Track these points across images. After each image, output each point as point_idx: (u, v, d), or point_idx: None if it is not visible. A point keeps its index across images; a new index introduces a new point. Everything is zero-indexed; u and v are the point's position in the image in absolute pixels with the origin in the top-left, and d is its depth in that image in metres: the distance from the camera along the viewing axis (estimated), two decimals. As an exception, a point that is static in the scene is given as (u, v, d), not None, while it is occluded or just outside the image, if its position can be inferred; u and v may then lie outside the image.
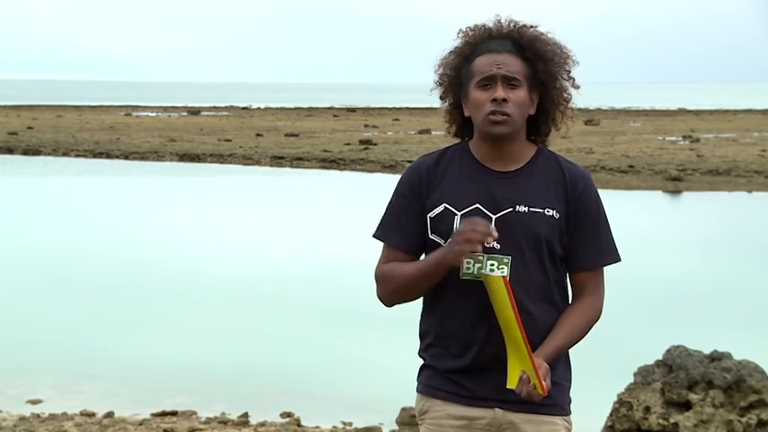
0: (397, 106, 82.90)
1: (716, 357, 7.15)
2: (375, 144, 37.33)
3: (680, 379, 7.05)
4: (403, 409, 8.37)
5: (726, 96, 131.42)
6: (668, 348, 7.30)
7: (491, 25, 3.36)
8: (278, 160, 33.38)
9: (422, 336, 3.42)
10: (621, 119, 58.97)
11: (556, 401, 3.32)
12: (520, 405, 3.26)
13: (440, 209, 3.30)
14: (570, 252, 3.32)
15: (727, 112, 71.21)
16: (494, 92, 3.26)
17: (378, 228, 3.42)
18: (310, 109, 74.87)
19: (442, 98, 3.43)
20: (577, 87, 3.40)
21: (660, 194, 24.92)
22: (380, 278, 3.37)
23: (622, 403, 7.18)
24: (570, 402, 3.41)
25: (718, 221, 20.80)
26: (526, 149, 3.36)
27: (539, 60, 3.32)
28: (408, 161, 31.83)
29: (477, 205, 3.27)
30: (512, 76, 3.27)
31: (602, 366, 8.73)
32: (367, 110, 74.23)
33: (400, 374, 9.75)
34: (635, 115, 61.93)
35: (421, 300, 3.41)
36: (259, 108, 77.27)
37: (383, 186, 27.01)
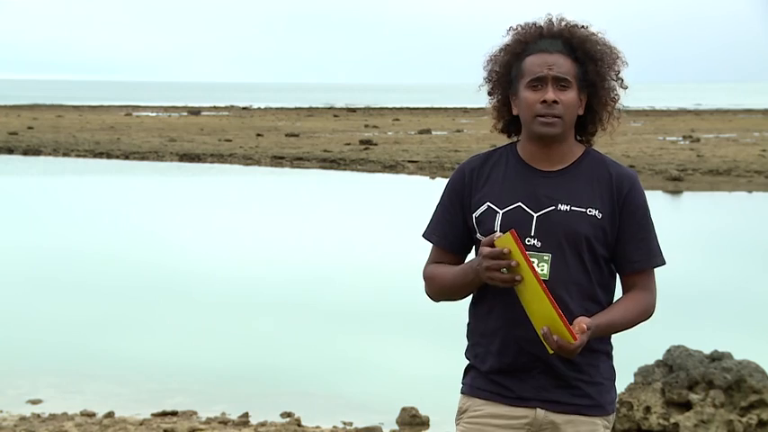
0: (398, 106, 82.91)
1: (716, 357, 7.15)
2: (375, 144, 37.33)
3: (680, 379, 7.05)
4: (403, 409, 8.36)
5: (726, 96, 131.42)
6: (668, 348, 7.30)
7: (542, 24, 3.35)
8: (278, 160, 33.38)
9: (468, 335, 3.44)
10: (621, 119, 58.82)
11: (597, 402, 3.32)
12: (562, 405, 3.28)
13: (483, 208, 3.32)
14: (618, 253, 3.32)
15: (727, 112, 71.21)
16: (544, 93, 3.26)
17: (426, 228, 3.47)
18: (310, 109, 74.88)
19: (490, 94, 3.43)
20: (625, 88, 3.41)
21: (660, 194, 24.91)
22: (426, 278, 3.44)
23: (623, 403, 7.18)
24: (613, 401, 3.40)
25: (718, 221, 20.80)
26: (573, 150, 3.36)
27: (589, 61, 3.32)
28: (409, 161, 31.84)
29: (519, 204, 3.28)
30: (562, 77, 3.27)
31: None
32: (367, 110, 74.23)
33: (400, 374, 9.78)
34: (635, 115, 61.90)
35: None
36: (259, 108, 77.28)
37: (383, 186, 27.05)
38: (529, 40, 3.33)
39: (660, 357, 7.29)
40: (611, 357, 3.39)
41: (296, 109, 74.20)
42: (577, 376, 3.29)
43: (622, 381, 7.25)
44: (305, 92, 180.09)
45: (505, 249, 3.09)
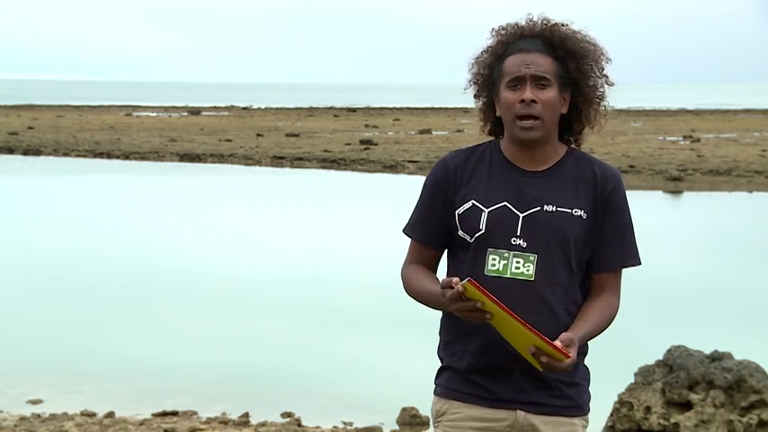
0: (398, 106, 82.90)
1: (716, 357, 7.15)
2: (375, 144, 37.33)
3: (680, 379, 7.05)
4: (403, 409, 8.36)
5: (726, 96, 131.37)
6: (669, 348, 7.30)
7: (523, 23, 3.34)
8: (278, 160, 33.38)
9: (442, 333, 3.39)
10: (622, 119, 58.94)
11: (576, 402, 3.32)
12: (542, 407, 3.26)
13: (468, 205, 3.28)
14: (595, 251, 3.29)
15: (727, 112, 71.21)
16: (522, 92, 3.24)
17: (406, 223, 3.44)
18: (311, 109, 74.88)
19: (476, 97, 3.41)
20: (611, 85, 3.37)
21: (660, 194, 24.91)
22: (403, 278, 3.41)
23: (623, 403, 7.18)
24: (589, 401, 3.40)
25: (718, 221, 20.79)
26: (557, 150, 3.34)
27: (570, 59, 3.29)
28: (409, 161, 31.83)
29: (505, 203, 3.26)
30: (541, 76, 3.24)
31: (603, 366, 8.72)
32: (367, 110, 74.21)
33: (400, 374, 9.77)
34: (635, 115, 61.90)
35: None
36: (259, 108, 77.28)
37: (384, 186, 27.04)
38: (510, 41, 3.32)
39: (660, 357, 7.29)
40: (584, 358, 3.37)
41: (296, 109, 74.18)
42: (557, 377, 3.26)
43: (623, 381, 7.28)
44: (305, 92, 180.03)
45: (478, 304, 3.01)
